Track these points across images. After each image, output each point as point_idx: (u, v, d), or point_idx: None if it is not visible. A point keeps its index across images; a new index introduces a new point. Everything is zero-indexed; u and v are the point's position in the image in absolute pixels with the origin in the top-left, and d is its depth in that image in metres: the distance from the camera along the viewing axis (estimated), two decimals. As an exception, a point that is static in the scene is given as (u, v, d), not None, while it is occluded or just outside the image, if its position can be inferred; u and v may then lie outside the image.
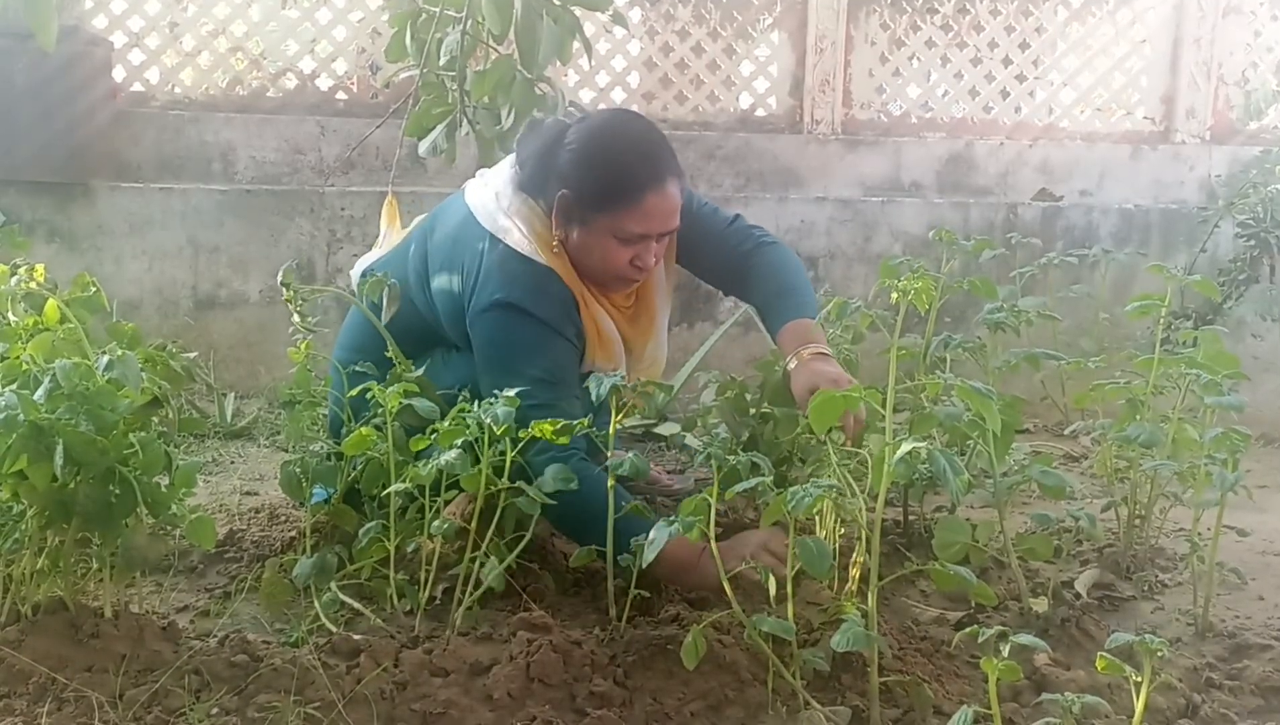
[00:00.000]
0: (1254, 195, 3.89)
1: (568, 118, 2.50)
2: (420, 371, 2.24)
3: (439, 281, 2.32)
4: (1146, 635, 1.31)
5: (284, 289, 2.20)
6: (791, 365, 2.26)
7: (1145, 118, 4.61)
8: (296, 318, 2.25)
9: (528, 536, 1.98)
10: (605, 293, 2.36)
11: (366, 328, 2.39)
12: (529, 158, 2.33)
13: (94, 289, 2.09)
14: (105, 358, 1.76)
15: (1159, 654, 1.29)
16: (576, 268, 2.31)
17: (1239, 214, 3.90)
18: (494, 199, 2.33)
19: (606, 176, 2.24)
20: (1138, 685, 1.31)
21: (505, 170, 2.39)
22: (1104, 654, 1.32)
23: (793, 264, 2.48)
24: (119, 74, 4.11)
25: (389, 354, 2.28)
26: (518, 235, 2.27)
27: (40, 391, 1.72)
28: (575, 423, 1.96)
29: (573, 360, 2.27)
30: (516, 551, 1.98)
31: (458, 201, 2.42)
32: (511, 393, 1.97)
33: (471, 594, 1.94)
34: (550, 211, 2.28)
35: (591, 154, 2.26)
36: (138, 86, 4.18)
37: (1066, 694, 1.32)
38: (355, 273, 2.57)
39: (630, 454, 1.98)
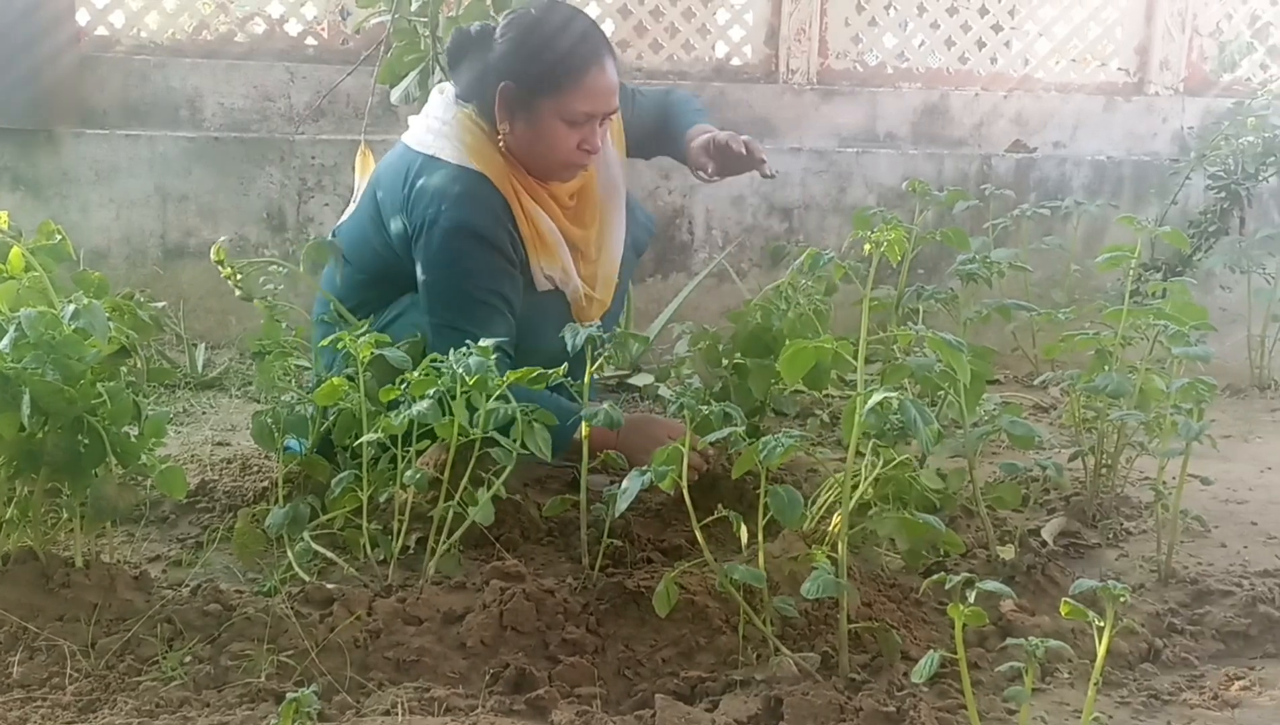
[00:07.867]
0: (1225, 147, 3.89)
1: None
2: (397, 312, 2.25)
3: (393, 225, 2.35)
4: (1110, 581, 1.33)
5: (219, 267, 2.20)
6: (695, 142, 2.48)
7: (1119, 69, 4.60)
8: (239, 293, 2.25)
9: (507, 472, 1.97)
10: (553, 186, 2.39)
11: (338, 284, 2.41)
12: (461, 62, 2.36)
13: (59, 237, 2.06)
14: (71, 306, 1.74)
15: (1122, 600, 1.31)
16: (523, 162, 2.34)
17: (1210, 166, 3.91)
18: (425, 127, 2.37)
19: (547, 58, 2.28)
20: (1101, 630, 1.33)
21: (434, 99, 2.44)
22: (1068, 600, 1.34)
23: (694, 101, 2.71)
24: (83, 17, 4.01)
25: (378, 294, 2.32)
26: (449, 147, 2.31)
27: (5, 340, 1.70)
28: (551, 372, 1.96)
29: (509, 274, 2.32)
30: (500, 483, 1.96)
31: (398, 146, 2.45)
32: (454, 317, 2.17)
33: (446, 541, 1.95)
34: (490, 112, 2.31)
35: (528, 40, 2.30)
36: (102, 30, 4.07)
37: (1031, 639, 1.34)
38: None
39: (605, 404, 1.98)
